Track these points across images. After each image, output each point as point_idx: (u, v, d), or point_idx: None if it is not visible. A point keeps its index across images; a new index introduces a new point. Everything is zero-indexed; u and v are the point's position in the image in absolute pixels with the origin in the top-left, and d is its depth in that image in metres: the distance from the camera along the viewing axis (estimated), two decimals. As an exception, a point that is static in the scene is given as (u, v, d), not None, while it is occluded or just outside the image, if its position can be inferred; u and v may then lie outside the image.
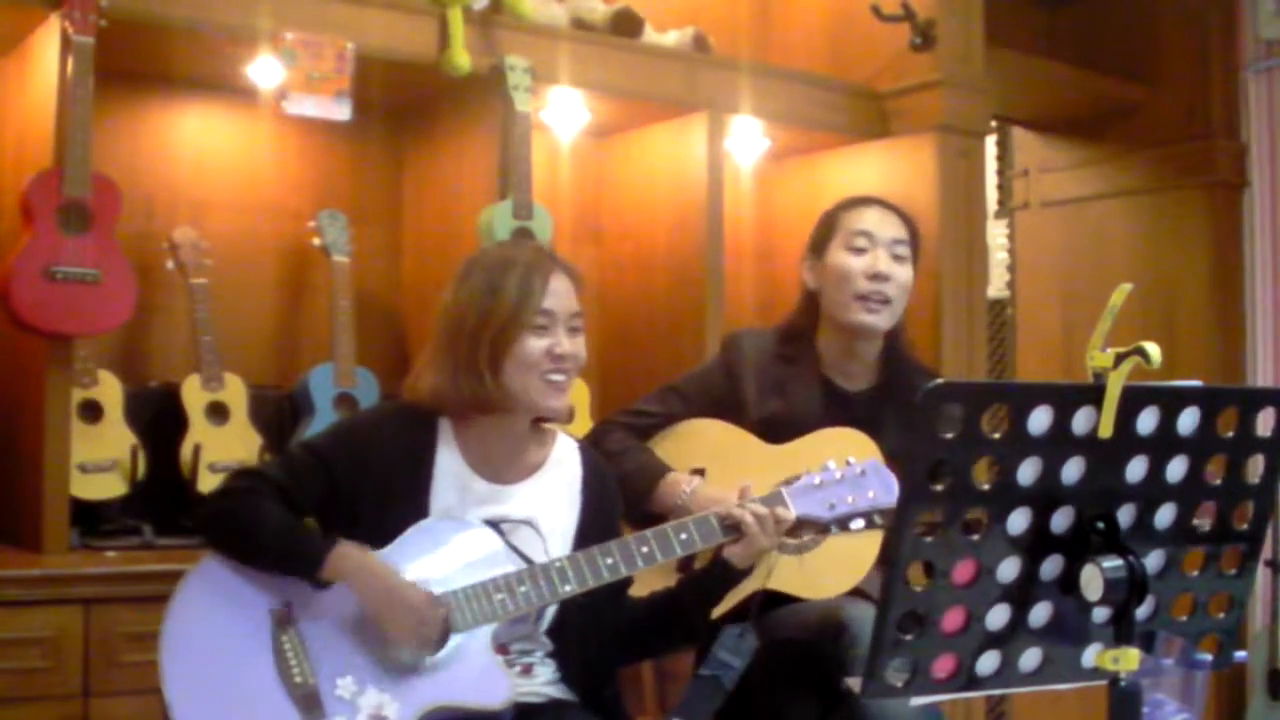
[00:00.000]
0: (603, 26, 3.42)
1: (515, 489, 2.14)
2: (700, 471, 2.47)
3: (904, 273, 2.58)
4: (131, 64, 2.99)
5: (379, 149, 3.52)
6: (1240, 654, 3.58)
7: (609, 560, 2.03)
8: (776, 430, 2.50)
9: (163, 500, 2.94)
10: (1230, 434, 1.62)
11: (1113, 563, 1.53)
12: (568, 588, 2.00)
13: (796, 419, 2.50)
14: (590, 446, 2.31)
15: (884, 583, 1.52)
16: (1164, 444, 1.57)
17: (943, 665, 1.55)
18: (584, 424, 3.25)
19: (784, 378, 2.57)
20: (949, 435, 1.46)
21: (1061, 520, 1.55)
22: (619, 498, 2.27)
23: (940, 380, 1.48)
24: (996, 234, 4.88)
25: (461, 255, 2.24)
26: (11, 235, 2.72)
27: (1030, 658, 1.60)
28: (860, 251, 2.56)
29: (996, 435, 1.49)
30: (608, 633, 2.14)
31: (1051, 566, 1.56)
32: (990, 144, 4.56)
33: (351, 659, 1.96)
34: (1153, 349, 1.50)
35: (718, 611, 2.19)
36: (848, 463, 2.18)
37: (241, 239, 3.31)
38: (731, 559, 2.11)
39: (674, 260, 3.51)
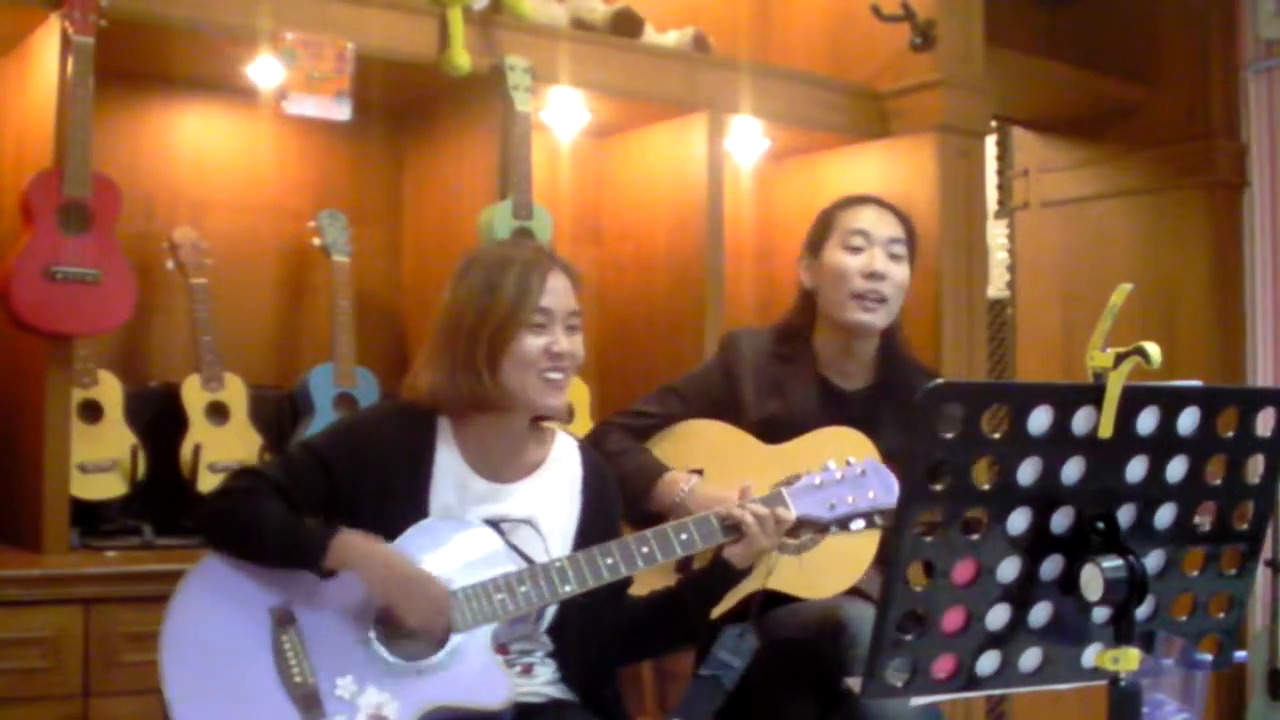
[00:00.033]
0: (603, 26, 3.42)
1: (514, 488, 2.14)
2: (699, 472, 2.47)
3: (900, 272, 2.58)
4: (131, 64, 2.99)
5: (379, 149, 3.52)
6: (1240, 654, 3.58)
7: (609, 560, 2.03)
8: (774, 430, 2.50)
9: (163, 500, 2.94)
10: (1230, 434, 1.62)
11: (1113, 563, 1.53)
12: (568, 588, 2.00)
13: (794, 419, 2.50)
14: (590, 446, 2.31)
15: (884, 583, 1.52)
16: (1164, 444, 1.57)
17: (943, 665, 1.55)
18: (584, 424, 3.25)
19: (781, 377, 2.57)
20: (949, 435, 1.46)
21: (1061, 520, 1.55)
22: (619, 497, 2.27)
23: (940, 380, 1.48)
24: (996, 234, 4.88)
25: (461, 255, 2.24)
26: (11, 235, 2.72)
27: (1030, 658, 1.60)
28: (857, 250, 2.56)
29: (996, 435, 1.49)
30: (608, 632, 2.14)
31: (1051, 566, 1.56)
32: (990, 144, 4.56)
33: (351, 658, 1.96)
34: (1153, 349, 1.50)
35: (717, 611, 2.19)
36: (848, 463, 2.18)
37: (241, 239, 3.31)
38: (731, 559, 2.11)
39: (674, 260, 3.51)
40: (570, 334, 2.11)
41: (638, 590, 2.21)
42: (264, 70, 3.00)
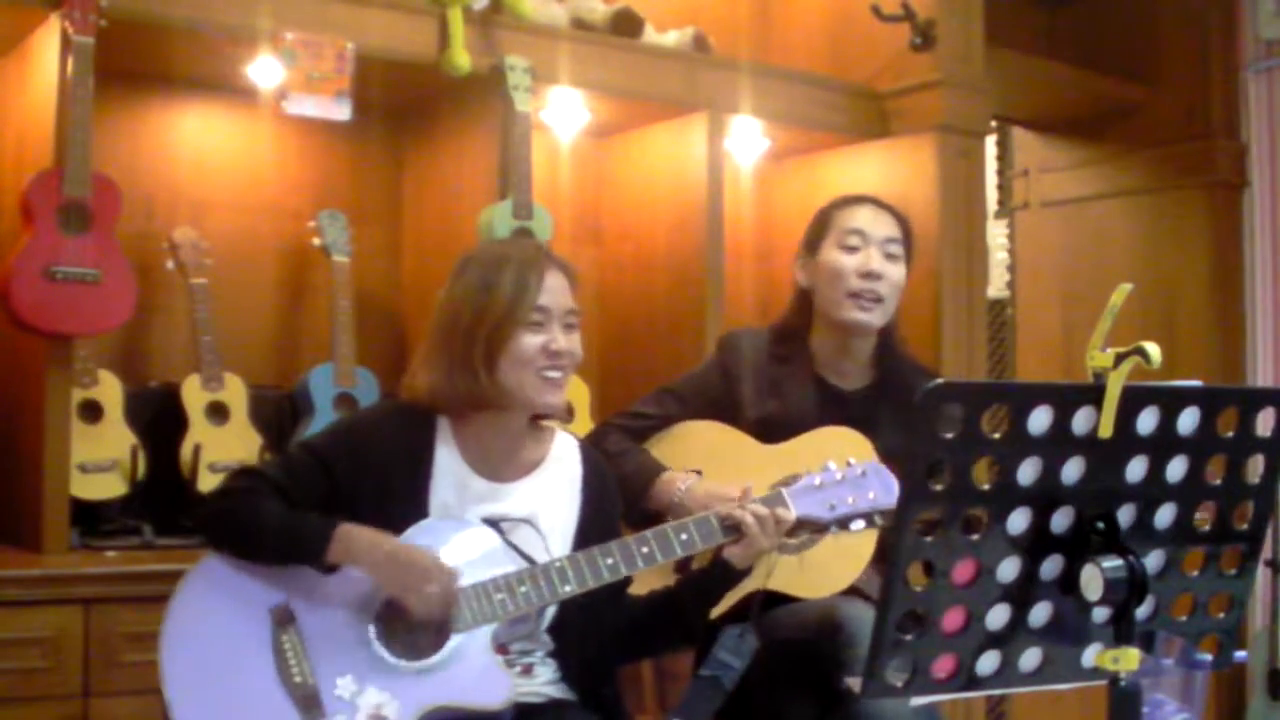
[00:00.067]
0: (603, 26, 3.42)
1: (514, 487, 2.14)
2: (697, 473, 2.47)
3: (896, 271, 2.58)
4: (131, 64, 2.99)
5: (379, 149, 3.52)
6: (1240, 654, 3.58)
7: (609, 560, 2.03)
8: (772, 430, 2.50)
9: (163, 500, 2.94)
10: (1230, 434, 1.62)
11: (1113, 563, 1.53)
12: (568, 588, 2.00)
13: (792, 419, 2.50)
14: (590, 445, 2.31)
15: (884, 583, 1.52)
16: (1164, 444, 1.57)
17: (943, 665, 1.55)
18: (584, 423, 3.25)
19: (779, 377, 2.57)
20: (949, 435, 1.46)
21: (1061, 520, 1.55)
22: (619, 496, 2.27)
23: (940, 380, 1.48)
24: (996, 234, 4.88)
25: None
26: (11, 235, 2.72)
27: (1030, 658, 1.60)
28: (853, 250, 2.56)
29: (996, 435, 1.49)
30: (607, 632, 2.14)
31: (1051, 566, 1.56)
32: (990, 144, 4.56)
33: (351, 658, 1.96)
34: (1153, 349, 1.50)
35: (717, 612, 2.19)
36: (848, 463, 2.18)
37: (241, 239, 3.31)
38: (731, 559, 2.11)
39: (674, 260, 3.51)
40: (568, 332, 2.11)
41: (636, 590, 2.21)
42: (264, 70, 3.00)
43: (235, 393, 3.06)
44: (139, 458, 2.90)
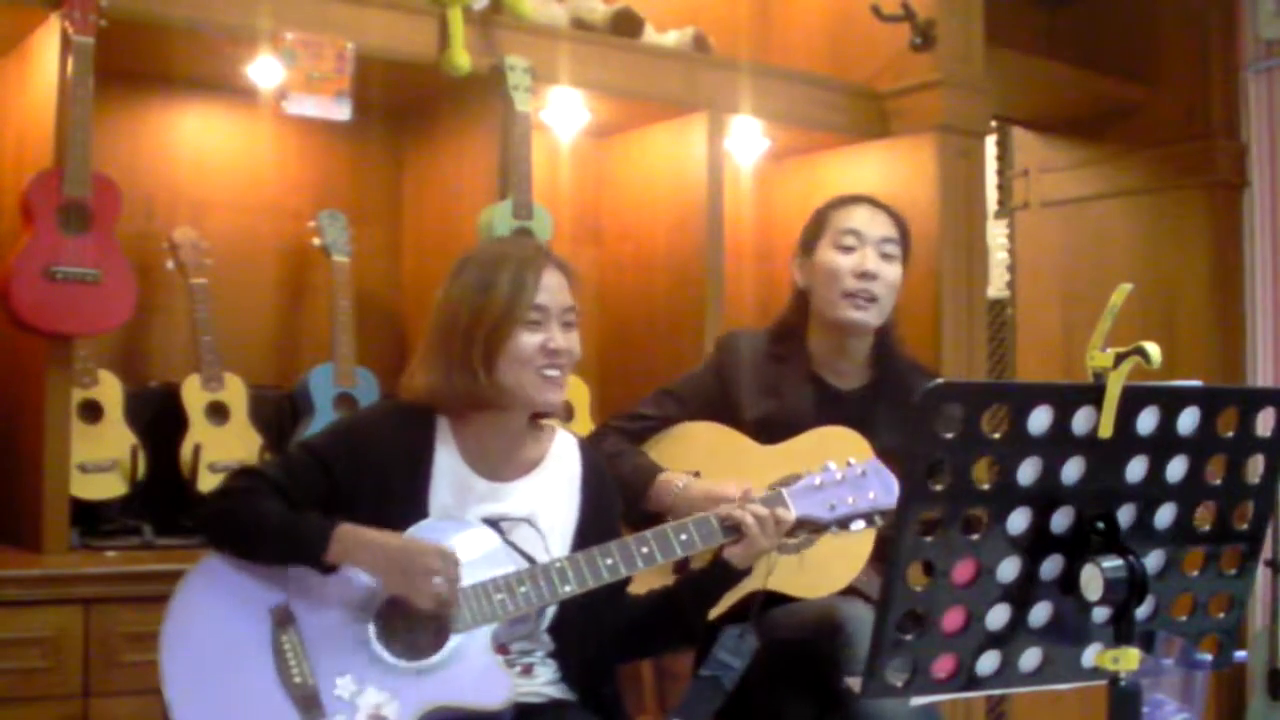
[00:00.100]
0: (603, 26, 3.42)
1: (513, 486, 2.14)
2: (695, 475, 2.47)
3: (892, 271, 2.58)
4: (131, 64, 2.99)
5: (379, 149, 3.52)
6: (1240, 654, 3.58)
7: (609, 561, 2.03)
8: (770, 430, 2.50)
9: (163, 500, 2.94)
10: (1230, 434, 1.62)
11: (1113, 563, 1.53)
12: (567, 588, 2.00)
13: (790, 418, 2.50)
14: (590, 444, 2.31)
15: (884, 583, 1.52)
16: (1164, 444, 1.57)
17: (943, 665, 1.55)
18: (584, 423, 3.25)
19: (776, 377, 2.57)
20: (949, 435, 1.46)
21: (1061, 520, 1.55)
22: (618, 495, 2.27)
23: (940, 380, 1.48)
24: (996, 234, 4.88)
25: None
26: (11, 235, 2.72)
27: (1030, 658, 1.60)
28: (849, 250, 2.56)
29: (996, 435, 1.49)
30: (607, 632, 2.14)
31: (1051, 566, 1.56)
32: (990, 144, 4.56)
33: (351, 658, 1.96)
34: (1153, 349, 1.50)
35: (717, 612, 2.19)
36: (849, 463, 2.18)
37: (241, 239, 3.31)
38: (731, 560, 2.11)
39: (674, 260, 3.51)
40: (566, 330, 2.10)
41: (635, 589, 2.21)
42: (264, 70, 3.00)
43: (235, 393, 3.06)
44: (139, 458, 2.90)
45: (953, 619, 1.53)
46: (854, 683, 1.84)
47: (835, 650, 2.27)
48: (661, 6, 3.77)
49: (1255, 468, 1.66)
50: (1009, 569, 1.54)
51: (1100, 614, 1.56)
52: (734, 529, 2.09)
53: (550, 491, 2.16)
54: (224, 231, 3.25)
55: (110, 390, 2.91)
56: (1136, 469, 1.57)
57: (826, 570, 2.38)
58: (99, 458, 2.85)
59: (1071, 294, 4.65)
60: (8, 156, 2.90)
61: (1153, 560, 1.61)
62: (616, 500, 2.26)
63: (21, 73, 2.85)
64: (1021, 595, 1.56)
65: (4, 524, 2.81)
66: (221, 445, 3.00)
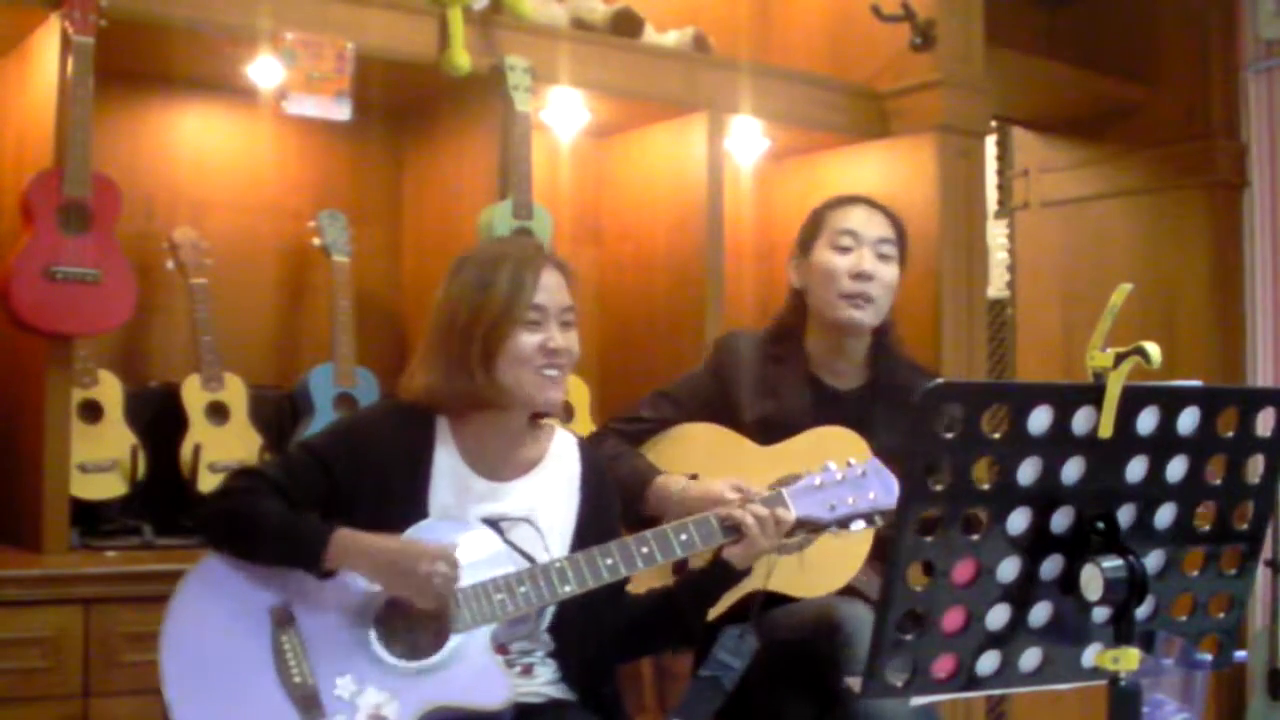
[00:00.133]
0: (603, 26, 3.42)
1: (513, 485, 2.14)
2: (694, 477, 2.46)
3: (889, 272, 2.58)
4: (131, 64, 2.98)
5: (379, 149, 3.52)
6: (1240, 654, 3.58)
7: (609, 561, 2.03)
8: (768, 431, 2.50)
9: (163, 500, 2.94)
10: (1230, 434, 1.62)
11: (1113, 563, 1.53)
12: (567, 588, 2.00)
13: (787, 419, 2.50)
14: (589, 443, 2.31)
15: (884, 583, 1.52)
16: (1164, 444, 1.57)
17: (943, 665, 1.55)
18: (584, 423, 3.25)
19: (774, 378, 2.57)
20: (949, 435, 1.46)
21: (1061, 520, 1.55)
22: (617, 495, 2.27)
23: (940, 380, 1.48)
24: (996, 234, 4.88)
25: (461, 255, 2.24)
26: (11, 235, 2.72)
27: (1030, 658, 1.60)
28: (845, 250, 2.56)
29: (996, 435, 1.49)
30: (607, 631, 2.14)
31: (1051, 566, 1.56)
32: (990, 144, 4.56)
33: (351, 658, 1.96)
34: (1153, 349, 1.50)
35: (716, 612, 2.19)
36: (849, 463, 2.18)
37: (241, 239, 3.31)
38: (731, 560, 2.11)
39: (674, 260, 3.51)
40: (565, 330, 2.10)
41: (634, 588, 2.21)
42: (264, 70, 3.00)
43: (235, 393, 3.06)
44: (139, 458, 2.90)
45: (953, 619, 1.53)
46: (854, 683, 1.84)
47: (835, 650, 2.27)
48: (661, 6, 3.77)
49: (1255, 468, 1.66)
50: (1009, 569, 1.54)
51: (1100, 614, 1.56)
52: (734, 529, 2.09)
53: (549, 490, 2.16)
54: (224, 231, 3.25)
55: (110, 390, 2.91)
56: (1136, 469, 1.57)
57: (826, 570, 2.38)
58: (99, 458, 2.85)
59: (1071, 294, 4.65)
60: (8, 156, 2.90)
61: (1153, 560, 1.61)
62: (616, 500, 2.26)
63: (21, 73, 2.85)
64: (1021, 595, 1.56)
65: (4, 524, 2.81)
66: (221, 445, 3.00)
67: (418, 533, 2.02)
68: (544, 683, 2.10)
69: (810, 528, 2.17)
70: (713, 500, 2.23)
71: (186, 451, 2.98)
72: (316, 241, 3.24)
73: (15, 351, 2.79)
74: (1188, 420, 1.57)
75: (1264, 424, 1.63)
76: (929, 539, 1.49)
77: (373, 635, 1.98)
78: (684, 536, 2.07)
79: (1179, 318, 4.34)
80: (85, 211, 2.65)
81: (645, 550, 2.05)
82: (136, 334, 3.14)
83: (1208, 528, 1.65)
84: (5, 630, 2.41)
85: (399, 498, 2.06)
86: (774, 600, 2.32)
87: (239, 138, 3.33)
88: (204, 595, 1.99)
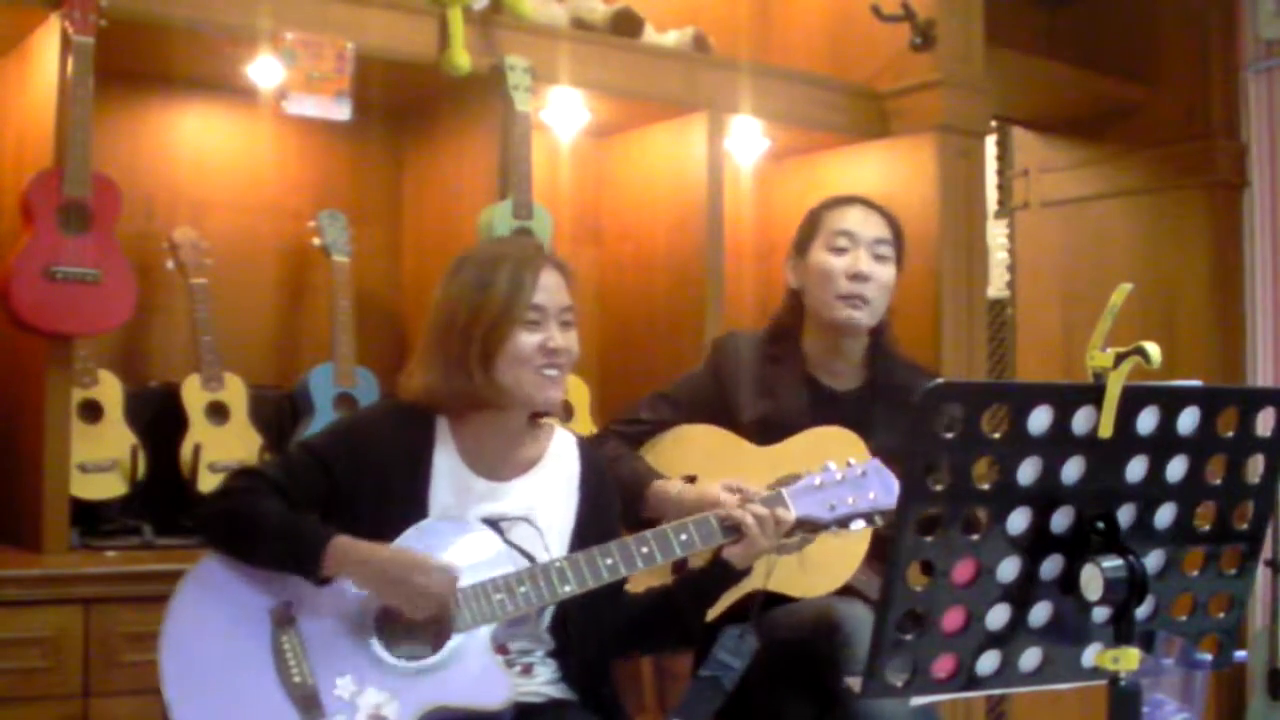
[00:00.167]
0: (603, 26, 3.42)
1: (512, 485, 2.14)
2: (692, 479, 2.47)
3: (885, 272, 2.58)
4: (131, 64, 2.98)
5: (379, 149, 3.52)
6: (1240, 654, 3.58)
7: (608, 561, 2.03)
8: (767, 431, 2.50)
9: (163, 500, 2.94)
10: (1230, 434, 1.62)
11: (1113, 563, 1.53)
12: (567, 588, 2.00)
13: (785, 420, 2.50)
14: (589, 443, 2.31)
15: (884, 583, 1.52)
16: (1164, 444, 1.57)
17: (943, 665, 1.55)
18: (584, 423, 3.25)
19: (771, 378, 2.57)
20: (949, 435, 1.46)
21: (1061, 520, 1.55)
22: (617, 494, 2.27)
23: (940, 380, 1.48)
24: (996, 234, 4.88)
25: (460, 256, 2.24)
26: (11, 235, 2.72)
27: (1030, 658, 1.60)
28: (841, 251, 2.56)
29: (996, 435, 1.49)
30: (606, 631, 2.14)
31: (1051, 566, 1.56)
32: (990, 144, 4.56)
33: (351, 659, 1.96)
34: (1153, 349, 1.50)
35: (716, 612, 2.19)
36: (849, 463, 2.18)
37: (241, 239, 3.31)
38: (731, 560, 2.11)
39: (674, 260, 3.51)
40: (565, 329, 2.10)
41: (633, 588, 2.21)
42: (264, 70, 3.00)
43: (235, 393, 3.06)
44: (139, 458, 2.90)
45: (953, 619, 1.53)
46: (854, 683, 1.85)
47: (834, 650, 2.27)
48: (661, 6, 3.77)
49: (1255, 468, 1.66)
50: (1009, 569, 1.54)
51: (1100, 614, 1.56)
52: (734, 529, 2.09)
53: (549, 490, 2.16)
54: (224, 231, 3.25)
55: (110, 390, 2.91)
56: (1136, 469, 1.57)
57: (826, 570, 2.38)
58: (99, 458, 2.85)
59: (1071, 294, 4.65)
60: (8, 156, 2.90)
61: (1153, 560, 1.61)
62: (616, 499, 2.26)
63: (21, 73, 2.85)
64: (1021, 595, 1.56)
65: (4, 524, 2.81)
66: (221, 445, 3.00)
67: (419, 533, 2.02)
68: (544, 682, 2.10)
69: (810, 527, 2.17)
70: (709, 503, 2.23)
71: (186, 451, 2.98)
72: (316, 241, 3.24)
73: (15, 351, 2.79)
74: (1188, 420, 1.57)
75: (1264, 424, 1.63)
76: (929, 539, 1.49)
77: (373, 635, 1.98)
78: (684, 536, 2.07)
79: (1179, 318, 4.34)
80: (85, 211, 2.65)
81: (645, 550, 2.05)
82: (136, 334, 3.14)
83: (1208, 528, 1.65)
84: (5, 630, 2.41)
85: (399, 498, 2.06)
86: (774, 600, 2.32)
87: (239, 138, 3.33)
88: (204, 595, 1.98)
